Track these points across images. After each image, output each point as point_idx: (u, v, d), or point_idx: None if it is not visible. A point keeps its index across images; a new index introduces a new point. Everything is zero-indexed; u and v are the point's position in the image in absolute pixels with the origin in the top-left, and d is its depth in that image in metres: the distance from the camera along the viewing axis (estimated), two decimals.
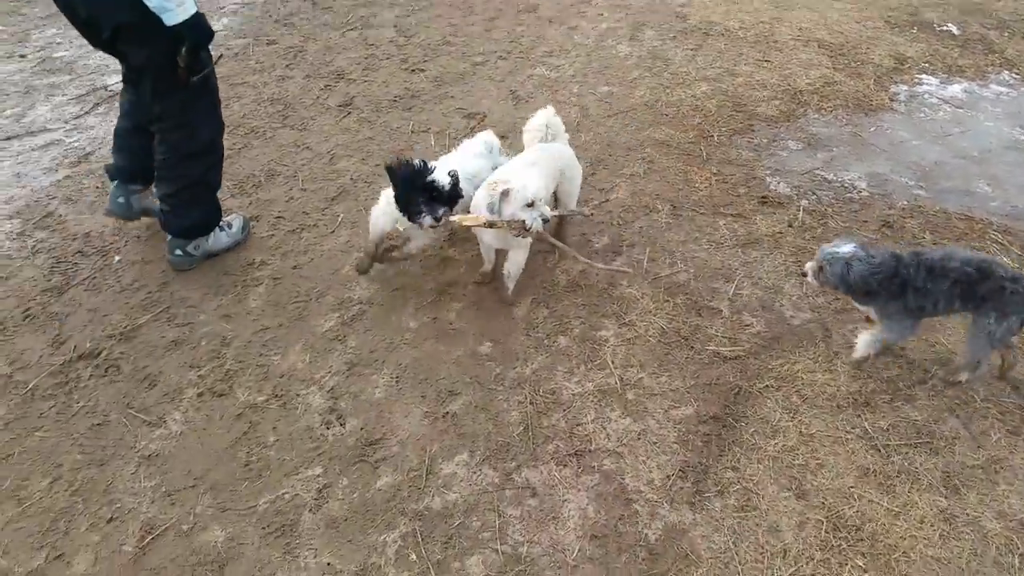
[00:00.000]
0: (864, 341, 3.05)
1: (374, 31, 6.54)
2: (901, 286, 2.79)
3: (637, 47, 6.07)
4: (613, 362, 3.14)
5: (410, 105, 5.29)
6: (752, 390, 3.01)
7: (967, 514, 2.53)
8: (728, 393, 3.00)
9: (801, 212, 4.04)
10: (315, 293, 3.54)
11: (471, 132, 4.90)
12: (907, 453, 2.76)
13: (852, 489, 2.64)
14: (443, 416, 2.90)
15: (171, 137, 3.42)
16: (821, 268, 2.85)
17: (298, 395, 3.00)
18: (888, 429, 2.86)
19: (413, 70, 5.83)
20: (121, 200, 3.74)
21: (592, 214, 3.86)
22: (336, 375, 3.10)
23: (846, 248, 2.81)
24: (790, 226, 3.95)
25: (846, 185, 4.28)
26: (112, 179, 3.79)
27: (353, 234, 3.94)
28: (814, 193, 4.21)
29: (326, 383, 3.06)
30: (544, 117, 3.60)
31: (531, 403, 2.95)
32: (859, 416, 2.91)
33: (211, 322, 3.38)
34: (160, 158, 3.48)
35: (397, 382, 3.06)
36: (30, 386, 3.04)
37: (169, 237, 3.66)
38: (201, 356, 3.20)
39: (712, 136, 4.80)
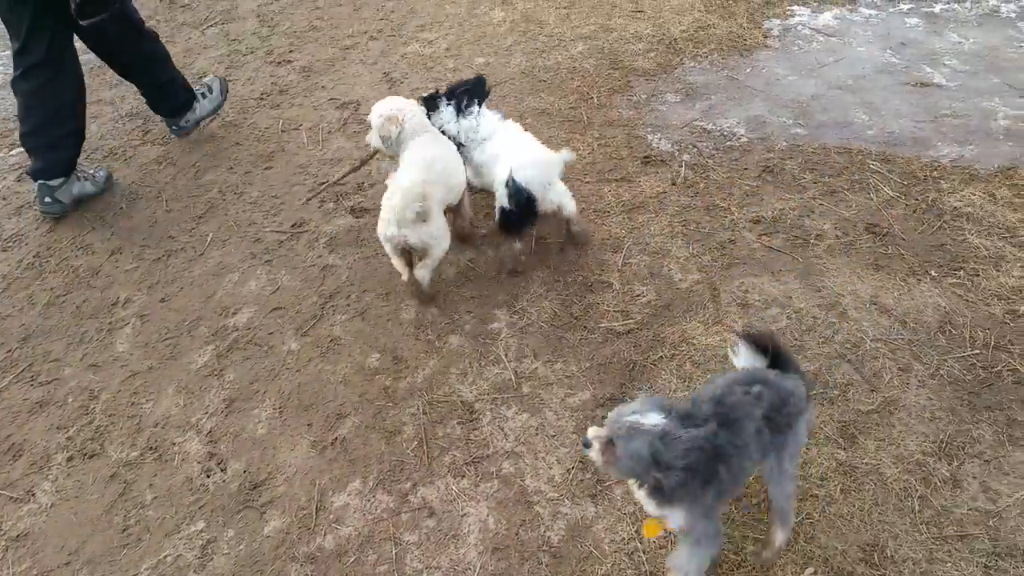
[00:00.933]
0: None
1: (236, 24, 6.20)
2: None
3: (510, 11, 5.88)
4: (507, 355, 3.03)
5: (278, 102, 5.03)
6: (647, 363, 2.94)
7: (866, 463, 2.51)
8: (623, 370, 2.92)
9: (683, 168, 3.97)
10: (186, 326, 3.32)
11: (343, 124, 4.69)
12: None
13: None
14: (332, 443, 2.75)
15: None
16: (611, 442, 1.91)
17: (174, 444, 2.81)
18: None
19: (279, 62, 5.55)
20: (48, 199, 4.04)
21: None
22: (214, 415, 2.91)
23: (652, 417, 1.88)
24: (673, 184, 3.88)
25: (725, 133, 4.22)
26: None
27: (224, 253, 3.71)
28: (695, 146, 4.14)
29: (204, 426, 2.87)
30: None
31: (424, 413, 2.82)
32: None
33: (77, 375, 3.14)
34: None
35: (281, 413, 2.89)
36: None
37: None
38: (68, 415, 2.97)
39: (592, 98, 4.69)
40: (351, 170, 3.97)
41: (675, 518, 2.00)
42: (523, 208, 3.15)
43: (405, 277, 3.18)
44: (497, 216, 3.27)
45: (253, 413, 2.90)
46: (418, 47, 5.51)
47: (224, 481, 2.65)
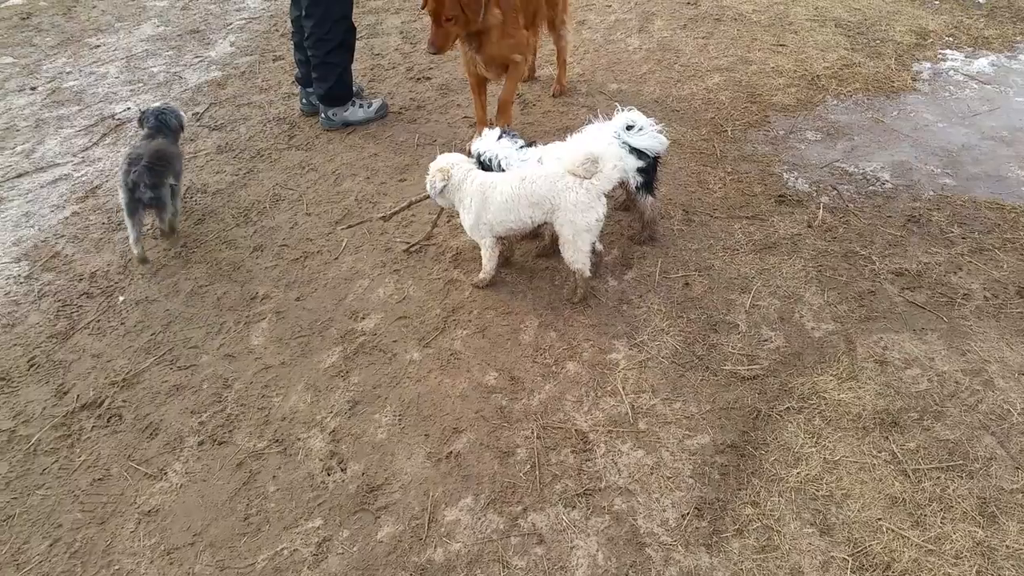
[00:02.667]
0: None
1: (380, 39, 6.45)
2: None
3: (647, 39, 5.89)
4: (624, 388, 3.01)
5: (415, 117, 5.19)
6: (772, 413, 2.86)
7: (1007, 547, 2.36)
8: (746, 417, 2.85)
9: (821, 210, 3.85)
10: (318, 326, 3.46)
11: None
12: (939, 478, 2.59)
13: (880, 521, 2.48)
14: (447, 457, 2.80)
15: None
16: None
17: (299, 439, 2.93)
18: (917, 451, 2.69)
19: (419, 79, 5.73)
20: (304, 101, 5.28)
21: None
22: (338, 415, 3.01)
23: None
24: (809, 226, 3.76)
25: (868, 177, 4.08)
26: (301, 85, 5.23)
27: (357, 259, 3.85)
28: (835, 188, 4.01)
29: (328, 424, 2.97)
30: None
31: (538, 438, 2.84)
32: (886, 438, 2.75)
33: (213, 363, 3.32)
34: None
35: (400, 421, 2.96)
36: (33, 440, 3.00)
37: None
38: (203, 401, 3.13)
39: (726, 131, 4.62)
40: (403, 207, 3.98)
41: None
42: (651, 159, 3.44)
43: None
44: (636, 183, 3.47)
45: (374, 417, 2.98)
46: (551, 71, 5.57)
47: (343, 481, 2.74)
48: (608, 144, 3.22)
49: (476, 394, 3.05)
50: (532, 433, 2.86)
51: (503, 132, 3.58)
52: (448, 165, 3.35)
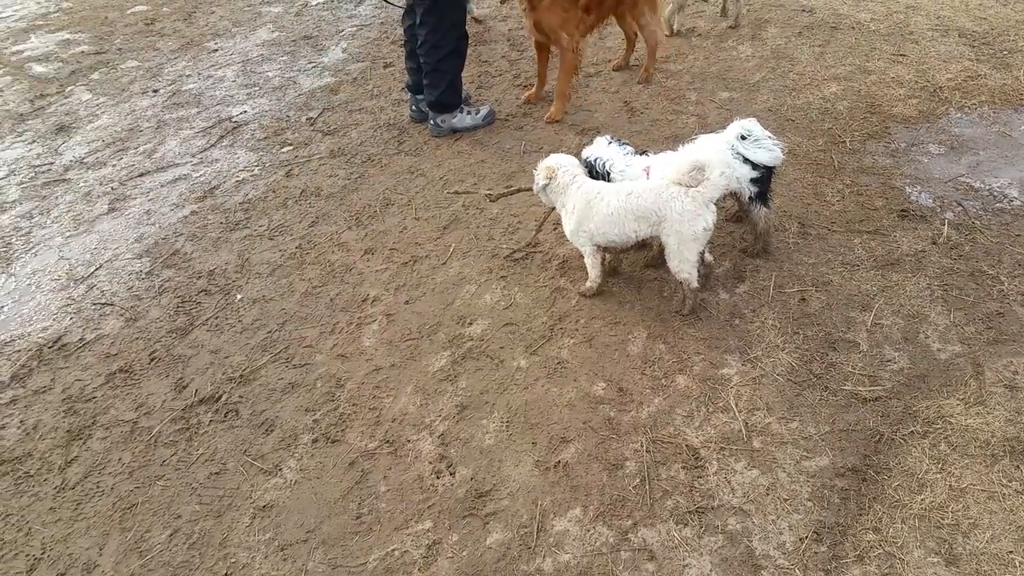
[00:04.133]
0: None
1: (487, 47, 6.52)
2: None
3: (759, 47, 5.75)
4: (737, 405, 2.93)
5: (522, 124, 5.21)
6: (895, 437, 2.73)
7: None
8: (868, 441, 2.74)
9: (946, 227, 3.67)
10: (427, 330, 3.51)
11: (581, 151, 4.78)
12: None
13: (1011, 554, 2.34)
14: (555, 466, 2.78)
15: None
16: None
17: (409, 441, 2.96)
18: None
19: (526, 86, 5.75)
20: (414, 108, 5.36)
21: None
22: (447, 419, 3.04)
23: None
24: (934, 243, 3.59)
25: (995, 193, 3.87)
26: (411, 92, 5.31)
27: (464, 264, 3.89)
28: (960, 204, 3.82)
29: (437, 428, 3.00)
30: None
31: (647, 451, 2.79)
32: (1017, 466, 2.59)
33: (327, 363, 3.40)
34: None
35: (507, 427, 2.97)
36: (153, 432, 3.14)
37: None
38: (316, 399, 3.22)
39: (844, 142, 4.47)
40: (513, 191, 4.06)
41: None
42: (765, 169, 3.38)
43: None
44: (749, 194, 3.41)
45: (482, 423, 3.00)
46: (660, 78, 5.51)
47: (452, 485, 2.76)
48: (715, 151, 3.15)
49: (583, 404, 3.02)
50: (641, 446, 2.81)
51: (612, 139, 3.56)
52: (556, 165, 3.35)
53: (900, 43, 5.44)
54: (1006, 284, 3.30)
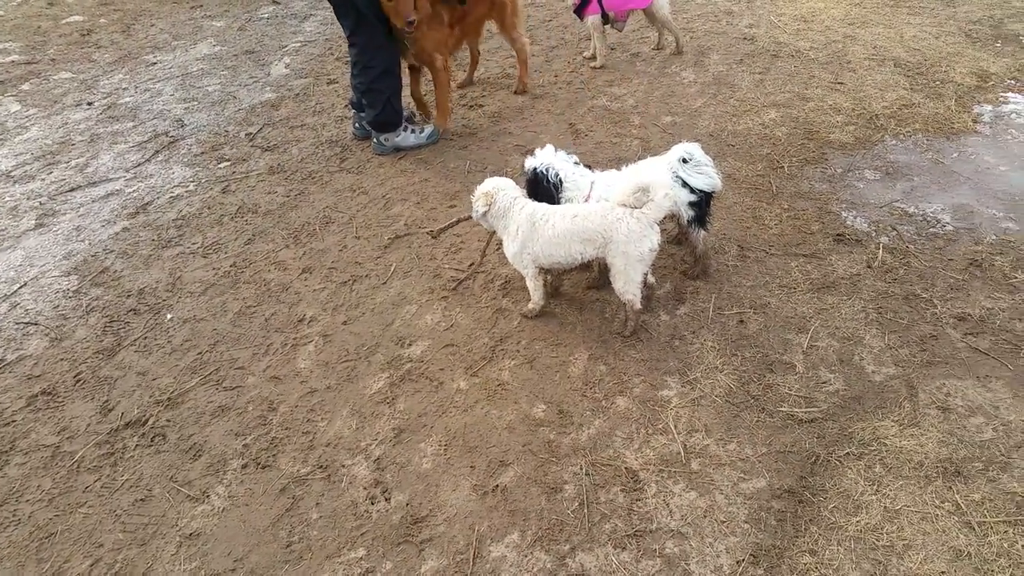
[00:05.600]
0: None
1: None
2: None
3: (702, 73, 5.84)
4: (676, 426, 2.92)
5: (467, 144, 5.19)
6: (831, 458, 2.74)
7: None
8: (804, 462, 2.74)
9: (881, 251, 3.75)
10: (365, 351, 3.43)
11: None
12: (1006, 532, 2.46)
13: (943, 575, 2.36)
14: (493, 490, 2.72)
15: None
16: None
17: (343, 466, 2.87)
18: (983, 503, 2.55)
19: (472, 106, 5.74)
20: (357, 125, 5.35)
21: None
22: (383, 443, 2.96)
23: None
24: (869, 267, 3.66)
25: (928, 219, 3.96)
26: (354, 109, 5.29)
27: (405, 284, 3.82)
28: (894, 229, 3.90)
29: (372, 452, 2.92)
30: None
31: (587, 474, 2.75)
32: (950, 488, 2.62)
33: (259, 385, 3.29)
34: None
35: (446, 451, 2.90)
36: (76, 457, 2.99)
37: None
38: (247, 423, 3.11)
39: (782, 167, 4.54)
40: (452, 223, 3.83)
41: None
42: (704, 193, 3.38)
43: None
44: (688, 217, 3.40)
45: (420, 447, 2.93)
46: (606, 101, 5.55)
47: (387, 511, 2.68)
48: (658, 173, 3.16)
49: (524, 426, 2.98)
50: (581, 469, 2.77)
51: (557, 148, 3.54)
52: (493, 190, 3.31)
53: (838, 71, 5.58)
54: (939, 307, 3.37)
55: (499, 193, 3.32)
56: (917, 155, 4.53)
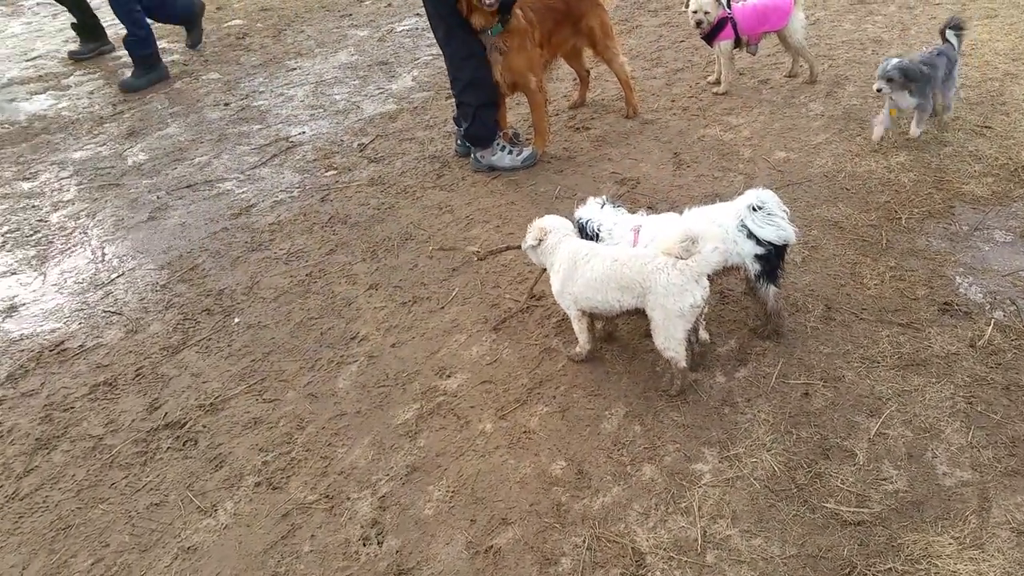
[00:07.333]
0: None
1: (551, 85, 6.36)
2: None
3: (832, 105, 5.38)
4: (700, 508, 2.64)
5: (563, 168, 5.04)
6: (868, 572, 2.38)
7: None
8: (837, 572, 2.40)
9: (991, 327, 3.26)
10: (404, 377, 3.37)
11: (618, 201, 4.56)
12: None
13: None
14: (486, 551, 2.57)
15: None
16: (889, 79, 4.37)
17: (348, 499, 2.82)
18: None
19: (578, 128, 5.59)
20: (459, 141, 5.28)
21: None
22: (393, 479, 2.88)
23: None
24: (972, 346, 3.19)
25: None
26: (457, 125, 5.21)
27: (461, 312, 3.74)
28: (1013, 303, 3.38)
29: (380, 488, 2.85)
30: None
31: (589, 549, 2.54)
32: None
33: (296, 401, 3.31)
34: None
35: (451, 497, 2.78)
36: (113, 452, 3.13)
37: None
38: (274, 439, 3.13)
39: (899, 219, 4.07)
40: (501, 249, 3.82)
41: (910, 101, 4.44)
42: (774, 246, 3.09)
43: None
44: (755, 272, 3.12)
45: (428, 489, 2.83)
46: (719, 130, 5.23)
47: (375, 556, 2.60)
48: (710, 223, 2.90)
49: (537, 483, 2.81)
50: (583, 542, 2.57)
51: (606, 200, 3.37)
52: (548, 227, 3.17)
53: (988, 113, 4.95)
54: None
55: (552, 232, 3.18)
56: None
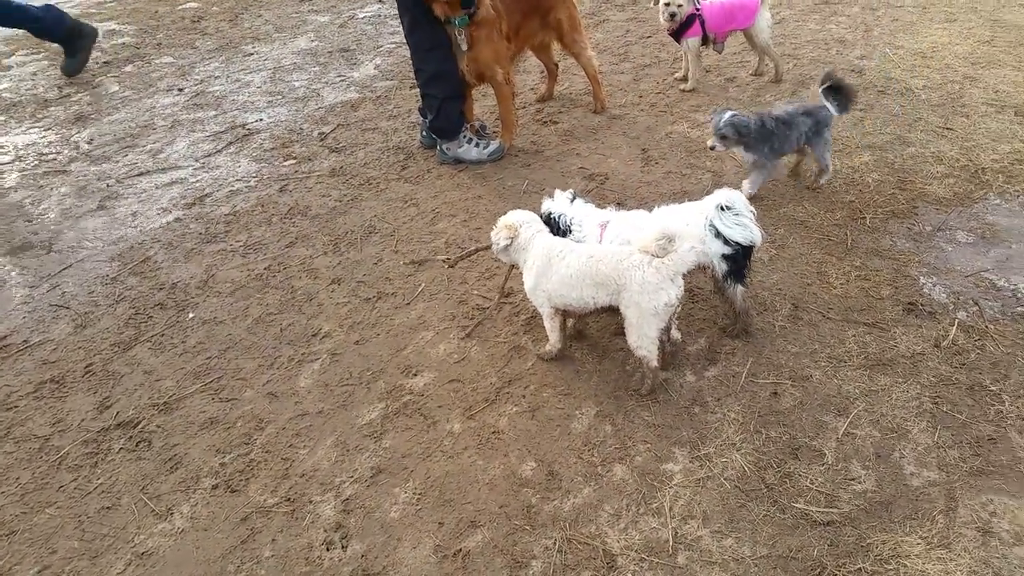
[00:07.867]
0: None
1: (520, 76, 6.30)
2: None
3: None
4: (671, 509, 2.61)
5: (530, 162, 4.97)
6: (838, 572, 2.37)
7: None
8: (807, 572, 2.39)
9: (955, 328, 3.29)
10: (368, 376, 3.28)
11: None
12: None
13: None
14: (454, 555, 2.51)
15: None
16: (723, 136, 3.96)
17: (311, 502, 2.73)
18: None
19: (546, 122, 5.52)
20: (424, 133, 5.20)
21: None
22: (358, 482, 2.79)
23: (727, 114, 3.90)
24: (937, 346, 3.21)
25: (1019, 295, 3.45)
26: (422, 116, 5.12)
27: (428, 308, 3.66)
28: (976, 303, 3.42)
29: (344, 490, 2.76)
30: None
31: (559, 551, 2.50)
32: None
33: (255, 400, 3.20)
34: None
35: (418, 500, 2.71)
36: (61, 453, 2.99)
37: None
38: (231, 441, 3.01)
39: (864, 218, 4.10)
40: (470, 252, 3.63)
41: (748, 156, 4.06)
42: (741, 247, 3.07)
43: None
44: (722, 271, 3.11)
45: (393, 491, 2.75)
46: (687, 127, 5.22)
47: (339, 560, 2.51)
48: (688, 222, 2.87)
49: (506, 484, 2.75)
50: (554, 544, 2.52)
51: (575, 195, 3.32)
52: (517, 223, 3.10)
53: (949, 115, 5.02)
54: (1007, 405, 2.91)
55: (523, 227, 3.11)
56: (1021, 219, 3.98)
